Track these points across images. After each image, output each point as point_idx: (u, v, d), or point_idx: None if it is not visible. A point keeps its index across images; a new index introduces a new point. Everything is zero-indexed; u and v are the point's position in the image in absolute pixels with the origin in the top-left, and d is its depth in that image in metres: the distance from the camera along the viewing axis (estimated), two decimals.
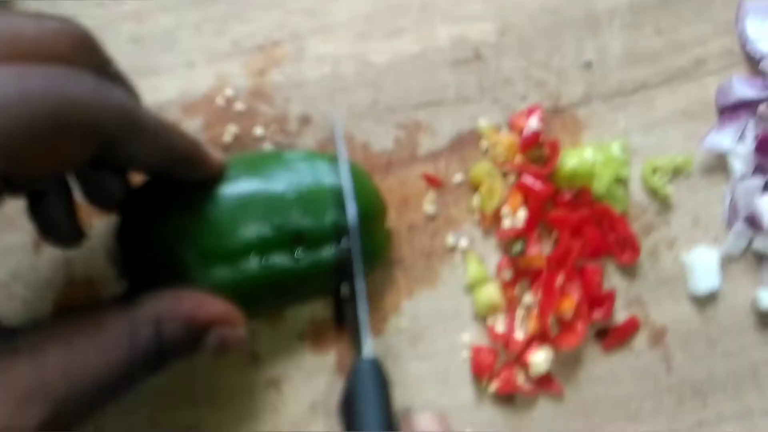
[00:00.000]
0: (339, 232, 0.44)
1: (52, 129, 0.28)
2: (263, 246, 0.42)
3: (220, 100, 0.54)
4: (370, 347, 0.43)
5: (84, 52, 0.33)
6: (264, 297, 0.44)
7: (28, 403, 0.29)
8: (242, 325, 0.39)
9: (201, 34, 0.55)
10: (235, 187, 0.43)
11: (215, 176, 0.43)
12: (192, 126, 0.53)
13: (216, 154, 0.43)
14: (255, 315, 0.46)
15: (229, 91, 0.54)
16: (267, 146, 0.53)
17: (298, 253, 0.43)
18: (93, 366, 0.32)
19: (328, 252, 0.44)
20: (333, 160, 0.47)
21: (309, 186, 0.44)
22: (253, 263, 0.42)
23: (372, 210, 0.46)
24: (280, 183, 0.44)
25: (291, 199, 0.43)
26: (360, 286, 0.44)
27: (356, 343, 0.44)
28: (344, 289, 0.45)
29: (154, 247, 0.42)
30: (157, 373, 0.37)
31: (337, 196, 0.44)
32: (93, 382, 0.32)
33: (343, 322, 0.48)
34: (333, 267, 0.44)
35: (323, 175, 0.45)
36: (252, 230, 0.42)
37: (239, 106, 0.54)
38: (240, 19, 0.55)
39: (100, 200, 0.43)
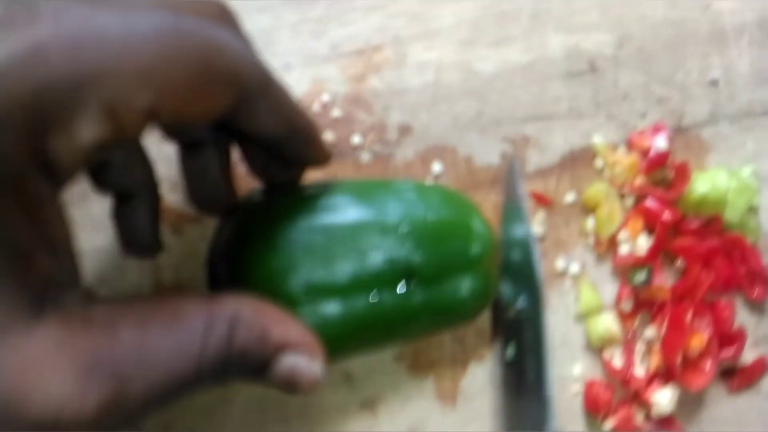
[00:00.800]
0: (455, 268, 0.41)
1: (201, 70, 0.29)
2: (375, 281, 0.39)
3: (316, 106, 0.51)
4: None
5: (231, 21, 0.34)
6: (372, 335, 0.40)
7: (92, 376, 0.27)
8: (320, 361, 0.34)
9: (298, 35, 0.52)
10: (346, 215, 0.40)
11: (323, 163, 0.40)
12: None
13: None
14: (360, 352, 0.43)
15: (325, 97, 0.51)
16: (365, 155, 0.50)
17: (411, 288, 0.40)
18: (165, 351, 0.29)
19: (440, 290, 0.40)
20: (443, 192, 0.44)
21: (422, 218, 0.41)
22: (363, 299, 0.38)
23: (488, 247, 0.43)
24: (392, 214, 0.41)
25: (404, 232, 0.40)
26: (543, 358, 0.42)
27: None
28: (510, 351, 0.42)
29: (257, 272, 0.39)
30: (219, 386, 0.33)
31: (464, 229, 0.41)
32: (161, 369, 0.29)
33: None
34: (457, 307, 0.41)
35: (436, 208, 0.42)
36: (364, 264, 0.39)
37: (336, 112, 0.51)
38: (339, 22, 0.52)
39: (204, 198, 0.40)
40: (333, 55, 0.52)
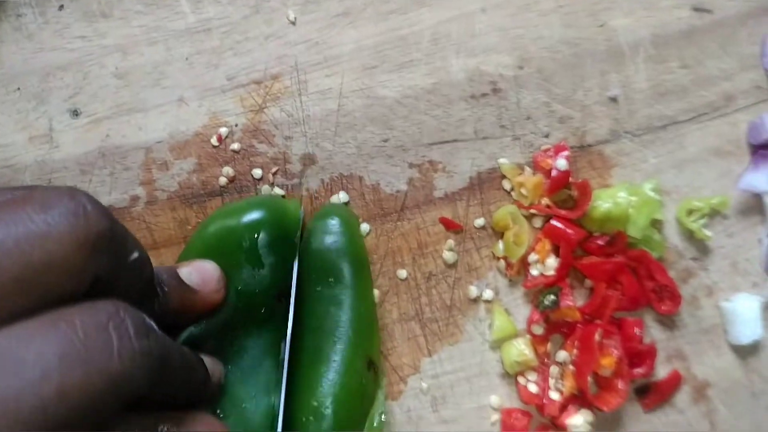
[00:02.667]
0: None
1: (89, 412, 0.26)
2: None
3: (213, 140, 0.49)
4: None
5: (101, 252, 0.28)
6: None
7: None
8: None
9: (192, 67, 0.50)
10: None
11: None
12: (183, 168, 0.48)
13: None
14: None
15: (223, 130, 0.49)
16: (266, 189, 0.48)
17: None
18: None
19: None
20: None
21: None
22: None
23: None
24: None
25: None
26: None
27: None
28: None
29: None
30: None
31: None
32: None
33: None
34: None
35: None
36: None
37: (235, 145, 0.49)
38: (235, 52, 0.50)
39: None
40: (230, 87, 0.50)
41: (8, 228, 0.26)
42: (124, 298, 0.28)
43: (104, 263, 0.28)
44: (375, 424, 0.41)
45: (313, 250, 0.43)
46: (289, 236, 0.43)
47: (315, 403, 0.39)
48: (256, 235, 0.41)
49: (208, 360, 0.38)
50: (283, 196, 0.47)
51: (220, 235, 0.42)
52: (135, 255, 0.30)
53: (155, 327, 0.29)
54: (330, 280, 0.42)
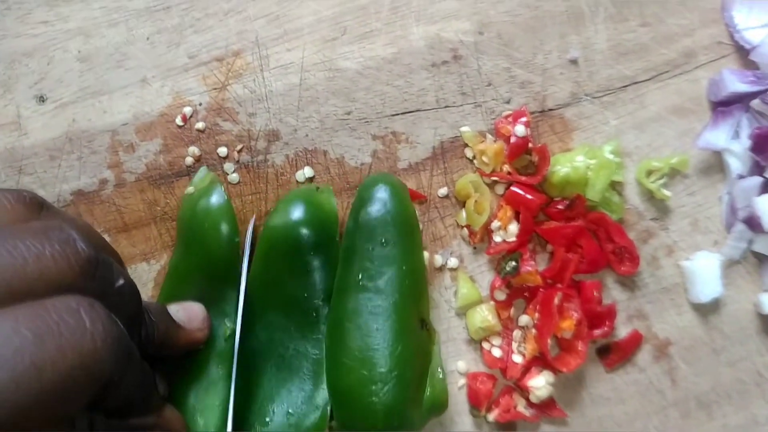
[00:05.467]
0: None
1: (63, 391, 0.27)
2: None
3: (178, 120, 0.49)
4: None
5: (88, 276, 0.30)
6: None
7: None
8: None
9: (154, 47, 0.50)
10: None
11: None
12: (150, 149, 0.49)
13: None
14: None
15: (187, 109, 0.49)
16: (231, 166, 0.49)
17: None
18: None
19: None
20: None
21: None
22: None
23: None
24: None
25: None
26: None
27: None
28: None
29: None
30: None
31: None
32: None
33: None
34: None
35: None
36: None
37: (200, 124, 0.49)
38: (195, 29, 0.50)
39: None
40: (192, 65, 0.50)
41: (7, 246, 0.28)
42: None
43: (92, 286, 0.30)
44: (437, 380, 0.42)
45: (366, 213, 0.43)
46: (331, 235, 0.44)
47: (382, 370, 0.40)
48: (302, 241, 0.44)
49: (156, 376, 0.41)
50: (317, 188, 0.47)
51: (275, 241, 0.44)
52: (121, 282, 0.32)
53: (120, 324, 0.30)
54: (382, 241, 0.42)
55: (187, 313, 0.42)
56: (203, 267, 0.44)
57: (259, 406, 0.43)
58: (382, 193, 0.43)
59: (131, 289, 0.33)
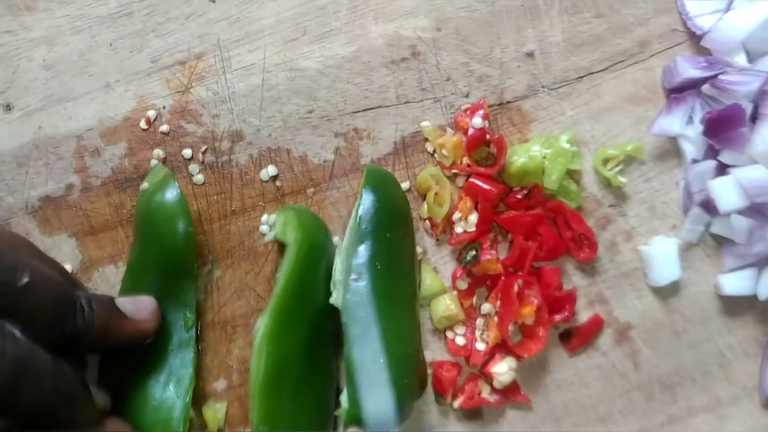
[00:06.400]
0: None
1: None
2: None
3: (142, 123, 0.50)
4: None
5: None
6: None
7: None
8: None
9: (117, 53, 0.50)
10: None
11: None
12: (115, 153, 0.49)
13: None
14: None
15: (151, 113, 0.50)
16: (196, 168, 0.49)
17: None
18: None
19: None
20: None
21: None
22: None
23: None
24: None
25: None
26: None
27: None
28: None
29: None
30: None
31: None
32: None
33: None
34: None
35: None
36: None
37: (164, 127, 0.50)
38: (157, 33, 0.50)
39: None
40: (155, 69, 0.50)
41: None
42: (28, 318, 0.30)
43: None
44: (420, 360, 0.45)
45: (370, 208, 0.44)
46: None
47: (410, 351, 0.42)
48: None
49: (95, 389, 0.41)
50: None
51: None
52: (25, 280, 0.33)
53: (16, 333, 0.31)
54: (394, 229, 0.44)
55: (135, 304, 0.42)
56: (160, 261, 0.45)
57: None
58: (382, 188, 0.45)
59: (45, 284, 0.34)
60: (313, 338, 0.43)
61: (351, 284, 0.42)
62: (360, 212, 0.44)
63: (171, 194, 0.45)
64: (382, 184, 0.45)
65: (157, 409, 0.43)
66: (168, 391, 0.43)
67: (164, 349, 0.44)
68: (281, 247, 0.48)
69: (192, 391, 0.43)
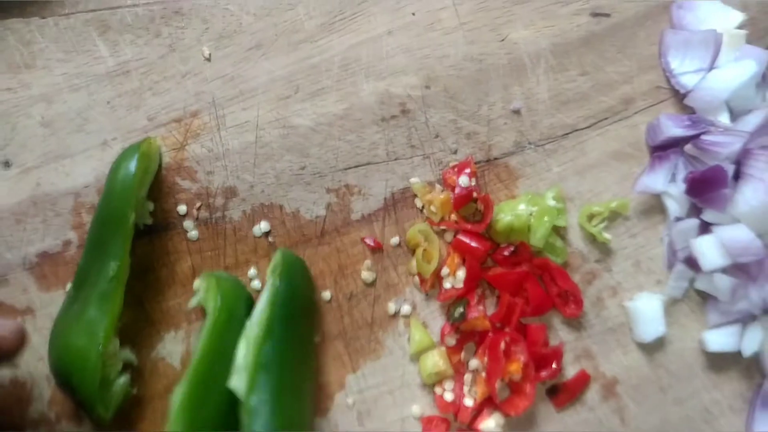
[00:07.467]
0: None
1: None
2: None
3: None
4: None
5: None
6: None
7: None
8: None
9: (114, 110, 0.52)
10: None
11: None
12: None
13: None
14: None
15: None
16: (190, 224, 0.50)
17: None
18: None
19: None
20: None
21: None
22: None
23: None
24: None
25: None
26: None
27: None
28: None
29: None
30: None
31: None
32: None
33: None
34: None
35: None
36: None
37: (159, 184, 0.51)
38: (154, 92, 0.52)
39: None
40: (151, 127, 0.52)
41: None
42: None
43: None
44: None
45: (282, 297, 0.45)
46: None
47: None
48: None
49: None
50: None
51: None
52: None
53: None
54: (302, 318, 0.47)
55: None
56: (101, 213, 0.47)
57: None
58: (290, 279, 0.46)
59: None
60: (231, 405, 0.42)
61: (258, 379, 0.41)
62: (270, 300, 0.44)
63: (130, 151, 0.48)
64: (292, 271, 0.47)
65: (75, 355, 0.44)
66: (82, 339, 0.44)
67: (86, 299, 0.45)
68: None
69: (106, 341, 0.44)
